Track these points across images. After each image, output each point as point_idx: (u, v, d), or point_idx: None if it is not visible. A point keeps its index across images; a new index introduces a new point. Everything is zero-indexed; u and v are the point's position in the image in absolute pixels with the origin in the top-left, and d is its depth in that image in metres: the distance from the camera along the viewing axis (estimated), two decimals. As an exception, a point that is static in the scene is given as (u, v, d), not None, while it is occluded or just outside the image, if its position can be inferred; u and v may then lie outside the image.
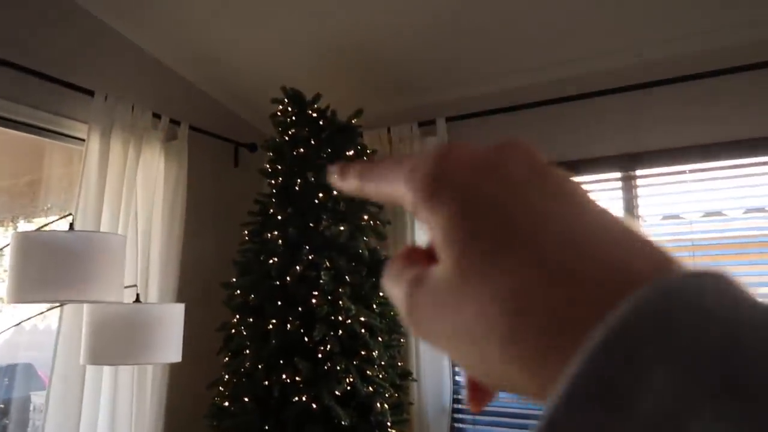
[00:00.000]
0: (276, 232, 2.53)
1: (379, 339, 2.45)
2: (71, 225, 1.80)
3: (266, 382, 2.34)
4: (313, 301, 2.36)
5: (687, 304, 0.15)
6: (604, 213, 0.20)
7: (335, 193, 2.54)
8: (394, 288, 0.23)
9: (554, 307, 0.18)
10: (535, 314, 0.18)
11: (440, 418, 2.79)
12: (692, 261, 2.26)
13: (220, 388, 2.47)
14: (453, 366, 2.87)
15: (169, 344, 1.92)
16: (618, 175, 2.67)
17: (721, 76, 2.40)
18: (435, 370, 2.82)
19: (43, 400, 2.38)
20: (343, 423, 2.22)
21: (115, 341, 1.83)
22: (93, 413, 2.37)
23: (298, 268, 2.39)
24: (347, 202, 2.59)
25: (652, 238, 0.19)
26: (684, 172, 2.55)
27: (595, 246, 0.18)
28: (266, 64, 2.94)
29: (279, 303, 2.42)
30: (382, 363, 2.45)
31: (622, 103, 2.61)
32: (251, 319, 2.46)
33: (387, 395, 2.40)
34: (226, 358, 2.51)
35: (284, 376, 2.30)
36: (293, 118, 2.65)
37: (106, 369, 2.41)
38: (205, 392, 2.55)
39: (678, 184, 2.57)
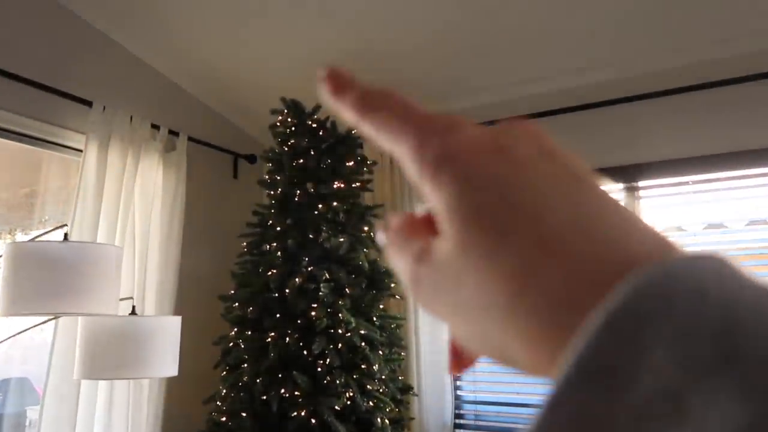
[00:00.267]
0: (275, 244, 2.50)
1: (380, 352, 2.43)
2: (66, 235, 1.77)
3: (264, 397, 2.31)
4: (313, 313, 2.33)
5: (687, 285, 0.15)
6: (607, 197, 0.20)
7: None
8: (398, 260, 0.24)
9: (555, 286, 0.18)
10: (535, 292, 0.18)
11: (442, 434, 2.74)
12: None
13: (218, 402, 2.44)
14: (454, 380, 2.83)
15: (166, 358, 1.89)
16: (621, 186, 2.65)
17: (724, 87, 2.39)
18: (436, 385, 2.78)
19: (38, 415, 2.34)
20: (342, 439, 2.18)
21: (110, 355, 1.79)
22: (87, 429, 2.33)
23: (297, 280, 2.37)
24: (347, 214, 2.57)
25: (652, 225, 0.19)
26: (687, 183, 2.53)
27: (597, 227, 0.19)
28: (266, 75, 2.92)
29: (278, 316, 2.39)
30: (383, 377, 2.42)
31: (625, 113, 2.60)
32: (249, 332, 2.42)
33: (387, 410, 2.37)
34: (224, 372, 2.47)
35: (283, 391, 2.26)
36: (293, 128, 2.64)
37: (101, 383, 2.37)
38: (202, 407, 2.51)
39: (681, 196, 2.56)
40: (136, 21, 2.63)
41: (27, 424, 3.49)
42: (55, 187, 3.32)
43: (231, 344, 2.47)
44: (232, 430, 2.32)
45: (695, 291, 0.15)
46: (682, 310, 0.15)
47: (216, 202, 3.16)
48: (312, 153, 2.59)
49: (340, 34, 2.58)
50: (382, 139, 0.24)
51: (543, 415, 0.15)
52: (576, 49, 2.53)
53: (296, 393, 2.26)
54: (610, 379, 0.15)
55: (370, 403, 2.33)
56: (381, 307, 2.57)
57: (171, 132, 2.81)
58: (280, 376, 2.31)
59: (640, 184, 2.62)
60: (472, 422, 2.82)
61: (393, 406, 2.41)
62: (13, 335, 1.82)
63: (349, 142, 2.64)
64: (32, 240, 1.79)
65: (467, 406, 2.85)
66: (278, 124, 2.69)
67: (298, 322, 2.36)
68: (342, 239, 2.46)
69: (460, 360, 0.24)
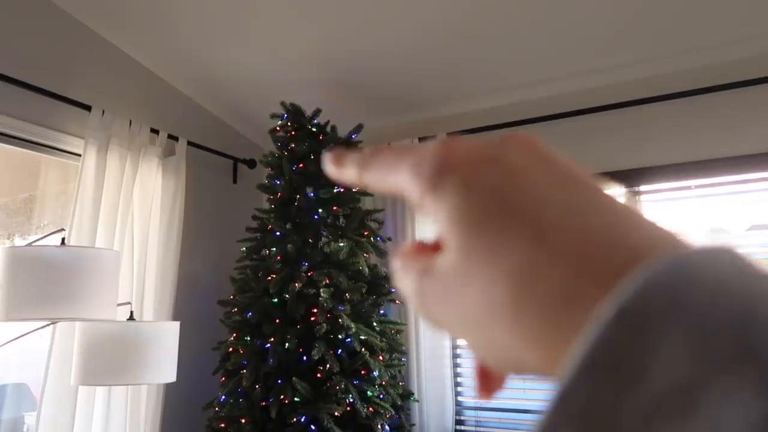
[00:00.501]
0: (274, 249, 2.49)
1: (380, 358, 2.41)
2: (63, 240, 1.75)
3: (264, 403, 2.29)
4: (312, 319, 2.32)
5: (699, 277, 0.15)
6: (607, 195, 0.20)
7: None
8: (403, 280, 0.24)
9: (559, 282, 0.18)
10: (539, 290, 0.18)
11: (442, 440, 2.72)
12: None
13: (216, 408, 2.42)
14: (455, 386, 2.81)
15: (164, 363, 1.87)
16: (623, 190, 2.64)
17: (726, 91, 2.38)
18: (437, 391, 2.76)
19: (35, 421, 2.32)
20: (342, 445, 2.16)
21: (107, 361, 1.78)
22: (85, 435, 2.31)
23: (296, 285, 2.35)
24: (347, 218, 2.56)
25: (656, 219, 0.19)
26: (689, 187, 2.52)
27: (599, 224, 0.19)
28: (265, 80, 2.92)
29: (277, 321, 2.38)
30: (383, 383, 2.40)
31: (626, 118, 2.59)
32: (248, 338, 2.41)
33: (388, 416, 2.35)
34: (223, 378, 2.46)
35: (282, 397, 2.24)
36: (293, 133, 2.63)
37: (99, 389, 2.35)
38: (200, 413, 2.49)
39: (682, 200, 2.54)
40: (135, 25, 2.62)
41: (25, 430, 3.47)
42: (54, 193, 3.31)
43: (230, 350, 2.45)
44: (231, 436, 2.30)
45: (708, 283, 0.15)
46: (695, 302, 0.14)
47: (215, 206, 3.15)
48: (312, 157, 2.58)
49: (339, 39, 2.57)
50: (385, 180, 0.25)
51: (551, 410, 0.15)
52: (577, 53, 2.52)
53: (296, 399, 2.24)
54: (620, 372, 0.14)
55: (371, 409, 2.31)
56: (381, 312, 2.56)
57: (170, 136, 2.80)
58: (279, 381, 2.29)
59: (642, 188, 2.61)
60: (473, 428, 2.80)
61: (393, 412, 2.39)
62: (10, 341, 1.81)
63: (348, 147, 2.62)
64: (29, 244, 1.78)
65: (468, 412, 2.82)
66: (278, 128, 2.68)
67: (298, 327, 2.35)
68: (342, 244, 2.45)
69: (488, 383, 0.24)
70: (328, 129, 2.65)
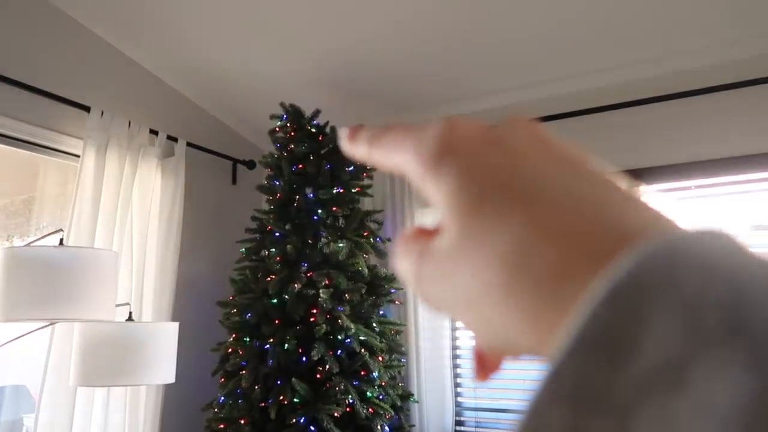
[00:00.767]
0: (274, 250, 2.48)
1: (380, 359, 2.40)
2: (61, 240, 1.75)
3: (263, 404, 2.29)
4: (312, 319, 2.31)
5: (691, 258, 0.15)
6: (605, 179, 0.20)
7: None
8: (402, 263, 0.24)
9: (552, 262, 0.18)
10: (532, 270, 0.18)
11: (442, 441, 2.71)
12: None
13: (216, 410, 2.42)
14: (455, 387, 2.81)
15: (163, 364, 1.86)
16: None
17: (728, 91, 2.37)
18: (437, 391, 2.75)
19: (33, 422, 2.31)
20: (342, 446, 2.16)
21: (106, 362, 1.77)
22: (84, 436, 2.30)
23: (296, 285, 2.35)
24: (346, 219, 2.56)
25: (652, 201, 0.19)
26: (690, 188, 2.51)
27: (595, 206, 0.19)
28: (265, 80, 2.91)
29: (276, 322, 2.37)
30: (383, 384, 2.39)
31: (626, 118, 2.58)
32: (248, 339, 2.40)
33: (387, 417, 2.34)
34: (222, 379, 2.45)
35: (281, 398, 2.24)
36: (292, 134, 2.63)
37: (98, 390, 2.34)
38: (200, 414, 2.49)
39: (683, 200, 2.54)
40: (134, 27, 2.62)
41: (23, 431, 3.46)
42: (53, 194, 3.31)
43: (229, 351, 2.45)
44: (231, 437, 2.29)
45: (701, 263, 0.15)
46: (687, 282, 0.15)
47: (214, 207, 3.15)
48: (311, 158, 2.58)
49: (339, 41, 2.57)
50: (389, 157, 0.25)
51: (543, 386, 0.15)
52: (577, 54, 2.52)
53: (295, 400, 2.24)
54: (612, 349, 0.14)
55: (370, 410, 2.30)
56: (380, 313, 2.55)
57: (169, 137, 2.80)
58: (278, 382, 2.29)
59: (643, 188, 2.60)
60: (473, 429, 2.79)
61: (393, 413, 2.38)
62: (9, 341, 1.80)
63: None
64: (27, 245, 1.77)
65: (468, 413, 2.82)
66: (277, 129, 2.68)
67: (297, 328, 2.34)
68: (341, 245, 2.44)
69: (485, 366, 0.24)
70: (328, 130, 2.65)
